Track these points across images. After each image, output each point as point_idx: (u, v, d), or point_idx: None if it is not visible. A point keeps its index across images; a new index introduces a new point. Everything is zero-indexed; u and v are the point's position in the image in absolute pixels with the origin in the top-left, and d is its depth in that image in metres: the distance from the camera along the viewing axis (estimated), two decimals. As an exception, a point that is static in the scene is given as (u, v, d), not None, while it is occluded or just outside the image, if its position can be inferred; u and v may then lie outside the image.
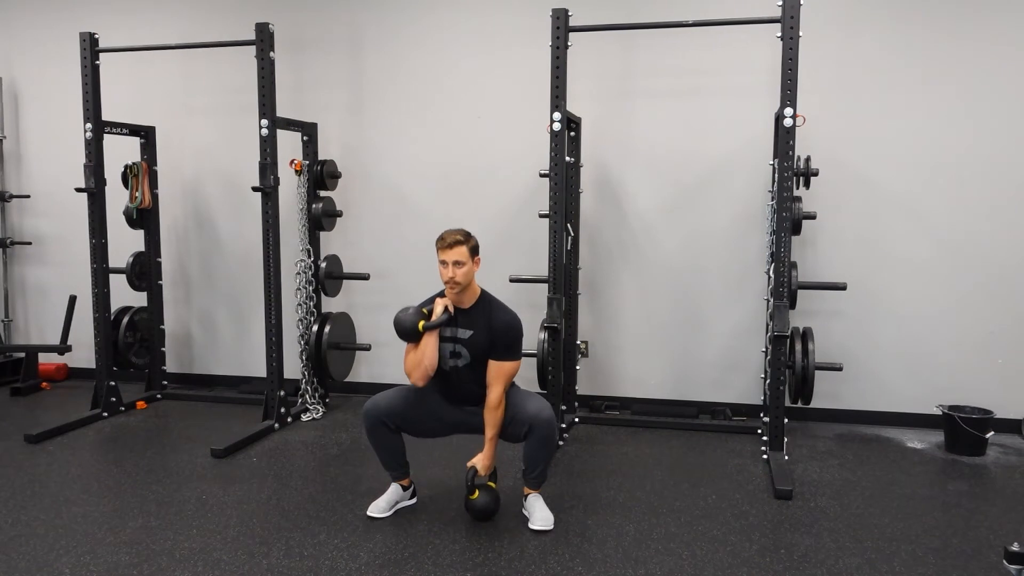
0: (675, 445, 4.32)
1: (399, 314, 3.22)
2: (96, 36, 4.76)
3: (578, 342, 4.82)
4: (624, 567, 2.87)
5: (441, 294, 3.26)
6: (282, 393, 4.61)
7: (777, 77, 3.91)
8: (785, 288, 3.98)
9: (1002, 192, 4.46)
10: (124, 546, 3.03)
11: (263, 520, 3.28)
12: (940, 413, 4.28)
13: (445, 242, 3.13)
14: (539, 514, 3.22)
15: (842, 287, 4.27)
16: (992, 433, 4.15)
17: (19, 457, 4.08)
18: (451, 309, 3.21)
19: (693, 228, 4.82)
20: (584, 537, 3.12)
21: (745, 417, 4.76)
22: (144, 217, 5.14)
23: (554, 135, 4.12)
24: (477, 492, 3.22)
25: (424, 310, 3.21)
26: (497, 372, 3.18)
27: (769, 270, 4.21)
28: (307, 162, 4.95)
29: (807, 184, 4.32)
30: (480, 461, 3.23)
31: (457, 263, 3.11)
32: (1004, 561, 2.34)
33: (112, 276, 4.95)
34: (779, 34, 3.86)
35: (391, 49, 5.16)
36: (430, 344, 3.18)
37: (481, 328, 3.19)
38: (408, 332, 3.19)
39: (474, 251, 3.18)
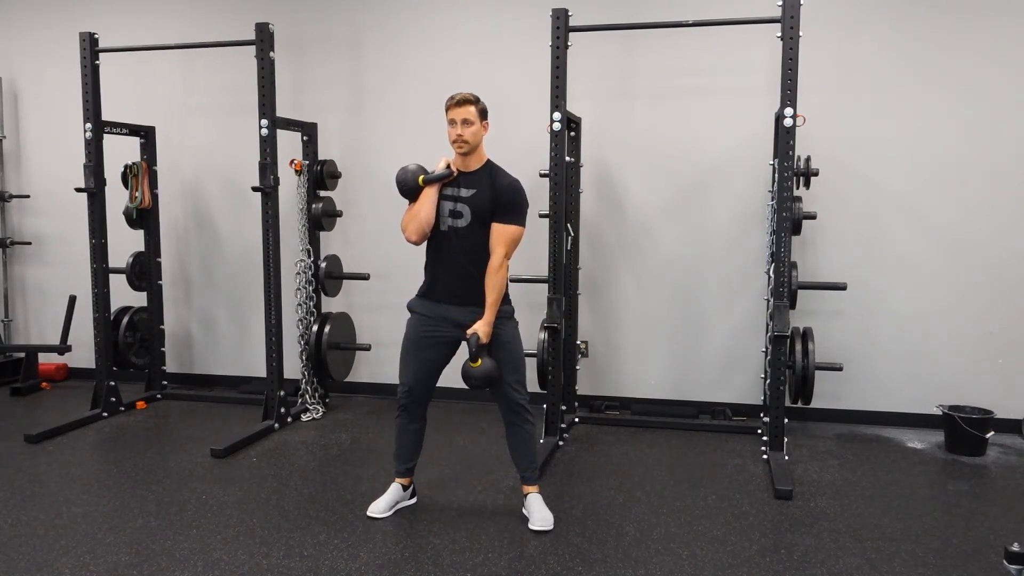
0: (675, 445, 4.32)
1: (400, 170, 3.19)
2: (96, 36, 4.76)
3: (578, 342, 4.82)
4: (624, 567, 2.87)
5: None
6: (282, 393, 4.61)
7: (777, 77, 3.91)
8: (785, 288, 3.98)
9: (1002, 192, 4.46)
10: (124, 546, 3.03)
11: (263, 520, 3.28)
12: (940, 413, 4.28)
13: (454, 100, 3.11)
14: (539, 514, 3.21)
15: (842, 287, 4.28)
16: (992, 433, 4.15)
17: (19, 457, 4.08)
18: (454, 169, 3.18)
19: (693, 228, 4.82)
20: (584, 537, 3.12)
21: (745, 417, 4.76)
22: (144, 217, 5.14)
23: (554, 135, 4.12)
24: (479, 360, 3.11)
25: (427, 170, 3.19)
26: (500, 235, 3.11)
27: (769, 270, 4.21)
28: (307, 162, 4.95)
29: (807, 184, 4.32)
30: (481, 328, 3.11)
31: (466, 122, 3.09)
32: (1004, 561, 2.34)
33: (112, 276, 4.95)
34: (779, 34, 3.86)
35: (391, 49, 5.16)
36: (428, 199, 3.14)
37: (484, 188, 3.15)
38: (408, 185, 3.16)
39: (483, 114, 3.16)
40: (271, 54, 4.44)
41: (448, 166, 3.17)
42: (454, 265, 3.18)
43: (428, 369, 3.26)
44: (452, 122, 3.11)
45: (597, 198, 4.93)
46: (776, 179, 4.08)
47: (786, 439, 4.04)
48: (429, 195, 3.15)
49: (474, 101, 3.13)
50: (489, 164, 3.23)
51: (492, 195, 3.13)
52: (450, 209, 3.16)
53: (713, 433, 4.54)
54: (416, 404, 3.28)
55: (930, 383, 4.58)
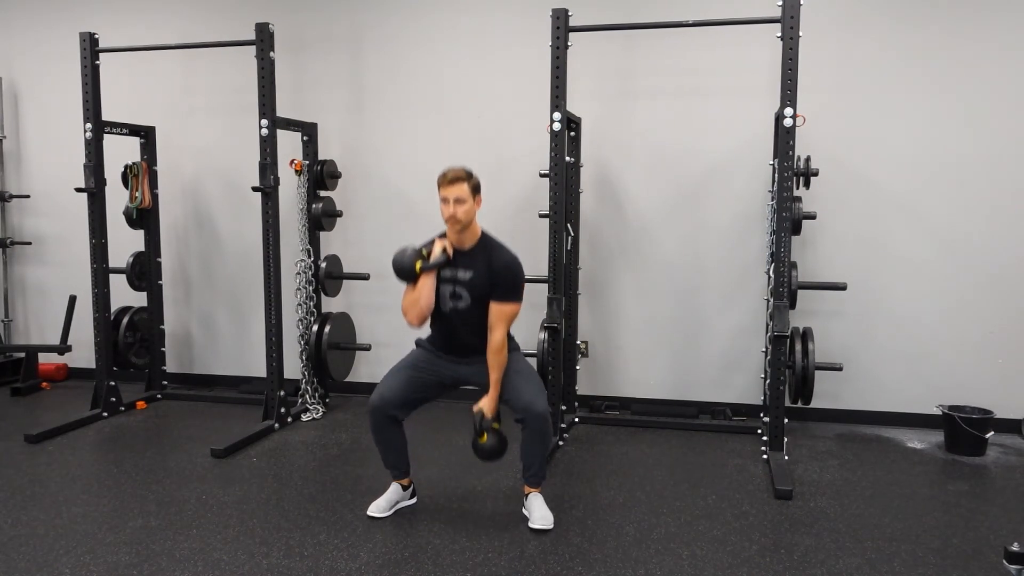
0: (675, 445, 4.32)
1: (397, 254, 3.18)
2: (96, 36, 4.76)
3: (578, 342, 4.82)
4: (624, 567, 2.87)
5: (442, 235, 3.23)
6: (282, 393, 4.62)
7: (777, 77, 3.91)
8: (785, 288, 3.98)
9: (1002, 192, 4.46)
10: (124, 546, 3.03)
11: (263, 520, 3.28)
12: (940, 413, 4.28)
13: (447, 178, 3.11)
14: (539, 514, 3.21)
15: (842, 287, 4.27)
16: (992, 433, 4.15)
17: (19, 457, 4.08)
18: (450, 251, 3.17)
19: (693, 228, 4.82)
20: (584, 537, 3.12)
21: (745, 417, 4.76)
22: (144, 217, 5.14)
23: (554, 135, 4.12)
24: (486, 435, 3.16)
25: (423, 251, 3.18)
26: (498, 314, 3.13)
27: (769, 270, 4.21)
28: (307, 162, 4.95)
29: (807, 184, 4.32)
30: (487, 404, 3.16)
31: (459, 200, 3.09)
32: (1004, 561, 2.34)
33: (112, 276, 4.95)
34: (779, 34, 3.86)
35: (391, 49, 5.16)
36: (427, 285, 3.15)
37: (481, 269, 3.15)
38: (405, 272, 3.16)
39: (476, 190, 3.15)
40: (271, 54, 4.44)
41: (444, 250, 3.17)
42: (458, 337, 3.25)
43: (412, 387, 3.25)
44: (445, 200, 3.11)
45: (597, 198, 4.93)
46: (776, 179, 4.08)
47: (786, 439, 4.04)
48: (427, 283, 3.16)
49: (466, 178, 3.12)
50: (484, 240, 3.23)
51: (490, 277, 3.15)
52: (450, 292, 3.19)
53: (713, 433, 4.54)
54: (384, 415, 3.22)
55: (930, 383, 4.58)
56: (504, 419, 3.24)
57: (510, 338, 3.28)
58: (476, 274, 3.16)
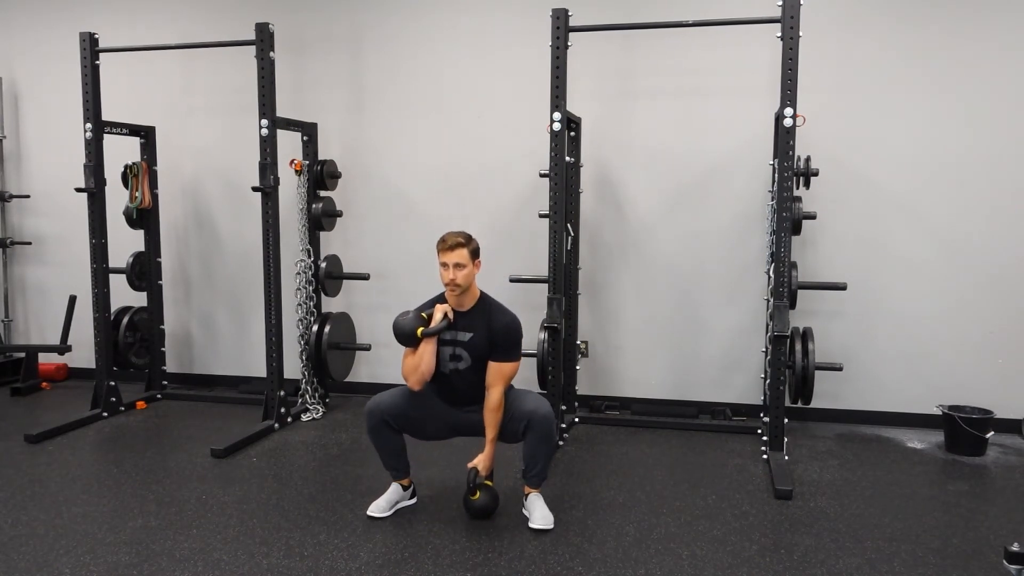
0: (675, 445, 4.32)
1: (398, 319, 3.23)
2: (96, 36, 4.76)
3: (578, 342, 4.82)
4: (624, 567, 2.87)
5: (441, 296, 3.27)
6: (282, 393, 4.61)
7: (777, 77, 3.91)
8: (785, 288, 3.98)
9: (1002, 192, 4.46)
10: (124, 546, 3.03)
11: (263, 520, 3.28)
12: (940, 413, 4.28)
13: (446, 244, 3.14)
14: (539, 514, 3.22)
15: (842, 287, 4.27)
16: (992, 433, 4.15)
17: (19, 457, 4.08)
18: (450, 316, 3.21)
19: (693, 228, 4.82)
20: (584, 537, 3.12)
21: (745, 417, 4.76)
22: (144, 217, 5.14)
23: (554, 135, 4.12)
24: (478, 493, 3.23)
25: (424, 314, 3.21)
26: (497, 373, 3.18)
27: (769, 270, 4.21)
28: (307, 162, 4.95)
29: (807, 184, 4.32)
30: (481, 462, 3.24)
31: (458, 265, 3.12)
32: (1004, 561, 2.34)
33: (112, 276, 4.94)
34: (779, 34, 3.86)
35: (391, 49, 5.16)
36: (428, 350, 3.19)
37: (481, 330, 3.20)
38: (407, 338, 3.20)
39: (475, 254, 3.18)
40: (271, 54, 4.44)
41: (445, 315, 3.19)
42: (462, 392, 3.29)
43: (410, 403, 3.26)
44: (444, 265, 3.13)
45: (597, 198, 4.93)
46: (776, 179, 4.08)
47: (786, 439, 4.04)
48: (428, 348, 3.19)
49: (465, 243, 3.14)
50: (483, 301, 3.26)
51: (489, 338, 3.19)
52: (450, 354, 3.23)
53: (713, 433, 4.54)
54: (380, 419, 3.24)
55: (930, 383, 4.58)
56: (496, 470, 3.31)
57: None
58: (476, 336, 3.20)
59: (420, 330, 3.17)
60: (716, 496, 3.56)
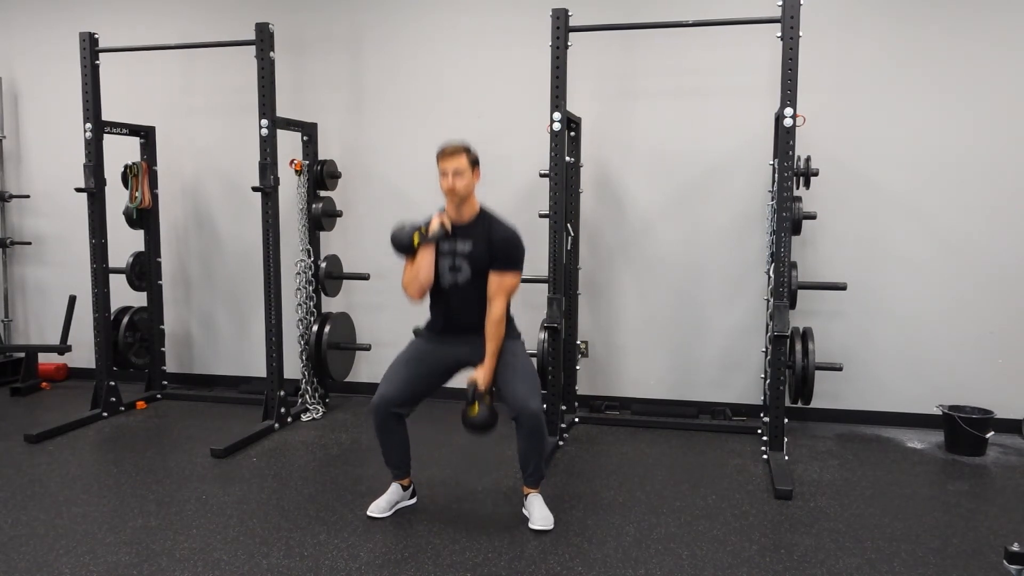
0: (675, 445, 4.32)
1: (395, 228, 3.19)
2: (96, 36, 4.76)
3: (578, 342, 4.82)
4: (624, 567, 2.87)
5: (442, 210, 3.24)
6: (282, 393, 4.61)
7: (777, 77, 3.91)
8: (785, 288, 3.98)
9: (1002, 192, 4.46)
10: (124, 546, 3.03)
11: (263, 520, 3.28)
12: (940, 413, 4.28)
13: (445, 152, 3.12)
14: (539, 514, 3.21)
15: (842, 287, 4.27)
16: (992, 433, 4.15)
17: (19, 457, 4.08)
18: (448, 226, 3.17)
19: (693, 228, 4.82)
20: (584, 537, 3.12)
21: (745, 417, 4.76)
22: (144, 217, 5.14)
23: (554, 135, 4.12)
24: (477, 406, 3.12)
25: (421, 227, 3.17)
26: (498, 285, 3.13)
27: (769, 270, 4.21)
28: (307, 162, 4.95)
29: (807, 184, 4.32)
30: (480, 374, 3.14)
31: (457, 173, 3.10)
32: (1004, 561, 2.34)
33: (112, 276, 4.94)
34: (779, 34, 3.86)
35: (391, 49, 5.16)
36: (426, 258, 3.16)
37: (481, 241, 3.16)
38: (403, 246, 3.16)
39: (474, 163, 3.16)
40: (271, 54, 4.44)
41: (442, 224, 3.17)
42: (458, 315, 3.24)
43: (413, 382, 3.24)
44: (444, 173, 3.12)
45: (597, 198, 4.93)
46: (776, 179, 4.08)
47: (786, 439, 4.04)
48: (427, 256, 3.17)
49: (464, 151, 3.13)
50: (483, 214, 3.24)
51: (489, 249, 3.15)
52: (449, 265, 3.19)
53: (713, 433, 4.54)
54: (388, 413, 3.21)
55: (930, 383, 4.58)
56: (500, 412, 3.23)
57: (512, 326, 3.29)
58: (475, 246, 3.16)
59: (417, 237, 3.13)
60: (716, 496, 3.56)
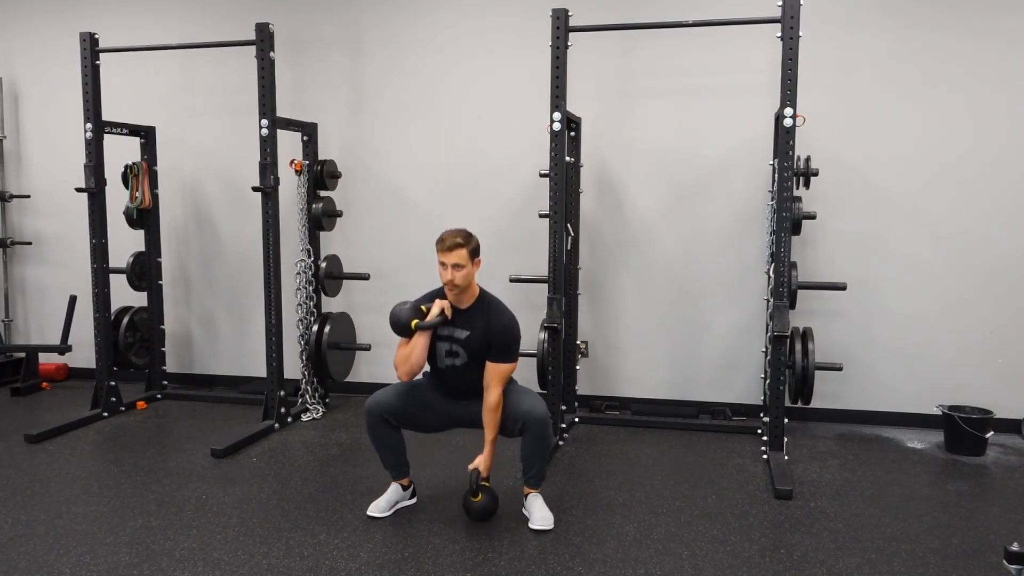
0: (675, 445, 4.32)
1: (395, 308, 3.23)
2: (96, 36, 4.76)
3: (578, 342, 4.82)
4: (624, 567, 2.87)
5: (442, 290, 3.26)
6: (282, 393, 4.62)
7: (777, 77, 3.91)
8: (785, 288, 3.98)
9: (1002, 192, 4.46)
10: (124, 546, 3.03)
11: (263, 520, 3.28)
12: (940, 413, 4.28)
13: (445, 244, 3.13)
14: (539, 514, 3.22)
15: (842, 287, 4.27)
16: (992, 433, 4.15)
17: (19, 457, 4.08)
18: (448, 312, 3.20)
19: (693, 228, 4.82)
20: (584, 537, 3.12)
21: (745, 417, 4.76)
22: (144, 217, 5.14)
23: (554, 135, 4.12)
24: (480, 495, 3.22)
25: (422, 307, 3.21)
26: (494, 374, 3.18)
27: (769, 270, 4.21)
28: (307, 162, 4.95)
29: (807, 184, 4.32)
30: (481, 462, 3.23)
31: (456, 266, 3.11)
32: (1004, 561, 2.34)
33: (112, 276, 4.94)
34: (779, 34, 3.85)
35: (391, 49, 5.16)
36: (420, 343, 3.19)
37: (478, 329, 3.20)
38: (401, 328, 3.20)
39: (474, 253, 3.17)
40: (271, 54, 4.44)
41: (442, 311, 3.19)
42: (457, 388, 3.31)
43: (408, 400, 3.28)
44: (443, 265, 3.12)
45: (597, 198, 4.93)
46: (776, 179, 4.08)
47: (786, 439, 4.04)
48: (421, 341, 3.19)
49: (464, 243, 3.12)
50: (482, 299, 3.25)
51: (487, 338, 3.18)
52: (446, 350, 3.23)
53: (713, 433, 4.54)
54: (379, 417, 3.25)
55: (930, 383, 4.58)
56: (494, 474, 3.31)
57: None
58: (473, 334, 3.19)
59: (415, 322, 3.17)
60: (716, 496, 3.56)
